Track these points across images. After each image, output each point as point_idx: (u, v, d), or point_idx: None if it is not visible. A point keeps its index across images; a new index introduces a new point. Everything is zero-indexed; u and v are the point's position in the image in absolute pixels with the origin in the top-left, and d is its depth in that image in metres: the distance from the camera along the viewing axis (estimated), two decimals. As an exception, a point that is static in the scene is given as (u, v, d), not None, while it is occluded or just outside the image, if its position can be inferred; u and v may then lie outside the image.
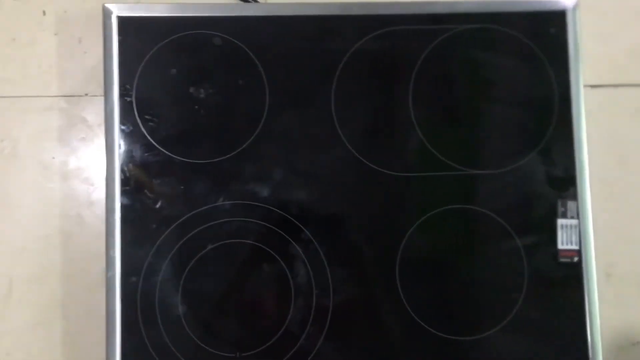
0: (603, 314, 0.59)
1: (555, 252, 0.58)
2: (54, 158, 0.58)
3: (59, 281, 0.56)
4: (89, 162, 0.58)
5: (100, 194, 0.56)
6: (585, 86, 0.62)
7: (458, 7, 0.59)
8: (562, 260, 0.58)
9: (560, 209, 0.58)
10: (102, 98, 0.55)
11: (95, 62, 0.58)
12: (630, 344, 0.61)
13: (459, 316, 0.57)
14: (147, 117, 0.56)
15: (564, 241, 0.58)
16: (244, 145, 0.56)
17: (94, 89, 0.58)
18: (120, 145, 0.55)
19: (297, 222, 0.56)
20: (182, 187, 0.55)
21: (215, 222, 0.55)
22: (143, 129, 0.55)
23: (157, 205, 0.55)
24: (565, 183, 0.58)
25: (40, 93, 0.58)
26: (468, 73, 0.59)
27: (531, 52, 0.59)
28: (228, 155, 0.56)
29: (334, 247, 0.56)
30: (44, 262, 0.56)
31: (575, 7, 0.59)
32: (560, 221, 0.58)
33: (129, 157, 0.55)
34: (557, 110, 0.59)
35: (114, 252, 0.54)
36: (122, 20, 0.56)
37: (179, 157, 0.56)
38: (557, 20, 0.59)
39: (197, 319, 0.55)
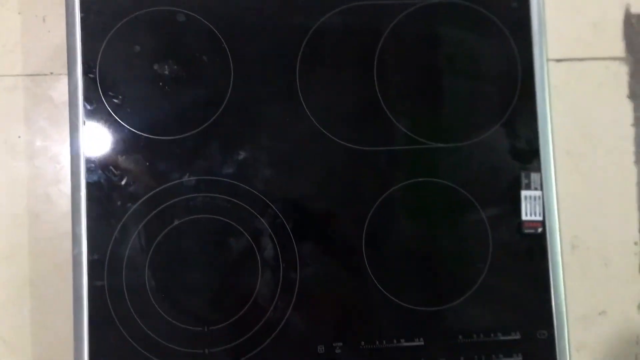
0: (569, 285, 0.60)
1: (519, 223, 0.58)
2: (19, 137, 0.58)
3: (27, 260, 0.57)
4: (54, 141, 0.58)
5: (67, 172, 0.56)
6: (549, 60, 0.62)
7: (421, -18, 0.59)
8: (527, 231, 0.58)
9: (524, 181, 0.59)
10: (66, 76, 0.55)
11: (59, 40, 0.58)
12: (596, 314, 0.62)
13: (424, 287, 0.58)
14: (111, 94, 0.56)
15: (528, 212, 0.58)
16: (209, 122, 0.57)
17: (58, 68, 0.58)
18: (84, 123, 0.55)
19: (263, 197, 0.56)
20: (147, 163, 0.56)
21: (182, 197, 0.56)
22: (107, 107, 0.56)
23: (123, 182, 0.55)
24: (528, 155, 0.59)
25: (5, 72, 0.58)
26: (432, 48, 0.60)
27: (494, 26, 0.60)
28: (193, 132, 0.56)
29: (301, 222, 0.57)
30: (12, 241, 0.57)
31: (537, -19, 0.60)
32: (524, 193, 0.59)
33: (93, 135, 0.55)
34: (520, 84, 0.60)
35: (80, 230, 0.54)
36: (85, -3, 0.56)
37: (144, 134, 0.56)
38: (519, -7, 0.60)
39: (164, 294, 0.55)
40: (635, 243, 0.63)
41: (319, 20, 0.58)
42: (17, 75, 0.58)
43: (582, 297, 0.61)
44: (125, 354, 0.54)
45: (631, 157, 0.63)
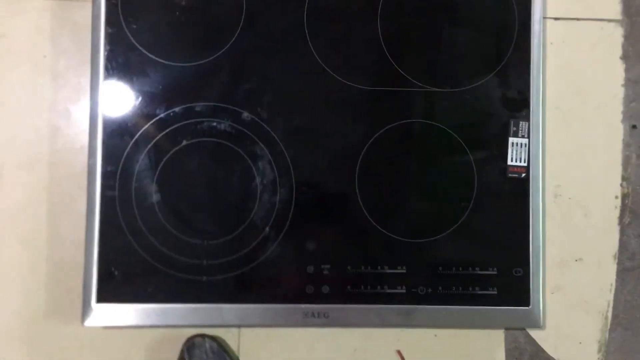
0: (549, 231, 0.64)
1: (504, 167, 0.62)
2: (45, 56, 0.62)
3: (46, 169, 0.61)
4: (77, 61, 0.62)
5: (87, 90, 0.60)
6: (547, 18, 0.65)
7: None
8: (511, 175, 0.62)
9: (512, 128, 0.62)
10: (90, 2, 0.60)
11: (86, -31, 0.62)
12: (573, 260, 0.65)
13: (410, 220, 0.62)
14: (130, 19, 0.60)
15: (514, 158, 0.62)
16: (220, 52, 0.61)
17: (84, -6, 0.62)
18: (105, 45, 0.59)
19: (266, 126, 0.61)
20: (160, 86, 0.60)
21: (190, 121, 0.60)
22: (127, 31, 0.60)
23: (137, 102, 0.60)
24: (519, 104, 0.62)
25: (35, -5, 0.62)
26: (434, -4, 0.63)
27: (495, -21, 0.63)
28: (205, 60, 0.61)
29: (299, 151, 0.61)
30: (34, 150, 0.61)
31: (540, -62, 0.62)
32: (512, 139, 0.62)
33: (112, 57, 0.60)
34: (516, 37, 0.63)
35: (95, 142, 0.59)
36: None
37: (159, 59, 0.60)
38: (521, -51, 0.63)
39: (169, 208, 0.60)
40: (616, 197, 0.66)
41: (329, -36, 0.62)
42: (46, -2, 0.62)
43: (560, 244, 0.65)
44: (131, 259, 0.59)
45: (619, 116, 0.66)
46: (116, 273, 0.58)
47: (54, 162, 0.62)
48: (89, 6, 0.60)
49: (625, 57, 0.66)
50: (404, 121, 0.62)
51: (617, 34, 0.67)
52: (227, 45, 0.61)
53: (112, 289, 0.58)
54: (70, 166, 0.61)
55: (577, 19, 0.66)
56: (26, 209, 0.61)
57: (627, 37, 0.66)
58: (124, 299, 0.58)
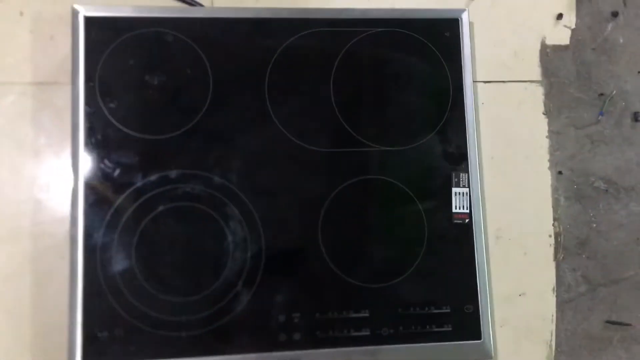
0: (493, 270, 0.71)
1: (450, 215, 0.69)
2: (26, 136, 0.67)
3: (29, 240, 0.65)
4: (57, 139, 0.67)
5: (68, 165, 0.65)
6: (478, 81, 0.75)
7: (370, 14, 0.72)
8: (456, 221, 0.69)
9: (454, 179, 0.70)
10: (70, 85, 0.65)
11: (64, 55, 0.67)
12: (517, 295, 0.72)
13: (370, 267, 0.68)
14: (108, 99, 0.66)
15: (458, 206, 0.70)
16: (190, 124, 0.67)
17: (63, 78, 0.68)
18: (85, 123, 0.65)
19: (235, 189, 0.67)
20: (137, 158, 0.66)
21: (166, 187, 0.66)
22: (105, 110, 0.66)
23: (116, 174, 0.65)
24: (458, 158, 0.71)
25: (17, 80, 0.67)
26: (379, 67, 0.71)
27: (430, 51, 0.72)
28: (177, 133, 0.67)
29: (267, 210, 0.67)
30: (17, 223, 0.65)
31: (465, 15, 0.72)
32: (455, 189, 0.70)
33: (91, 134, 0.65)
34: (452, 100, 0.72)
35: (77, 212, 0.64)
36: (88, 19, 0.66)
37: (135, 133, 0.66)
38: (451, 25, 0.73)
39: (148, 270, 0.64)
40: (550, 235, 0.74)
41: (285, 43, 0.69)
42: (27, 83, 0.68)
43: (504, 281, 0.72)
44: (114, 321, 0.63)
45: (546, 164, 0.75)
46: (99, 335, 0.62)
47: (36, 233, 0.66)
48: (68, 89, 0.66)
49: (547, 112, 0.76)
50: (360, 178, 0.69)
51: (538, 92, 0.76)
52: (197, 118, 0.67)
53: (96, 351, 0.62)
54: (52, 237, 0.65)
55: (503, 82, 0.76)
56: (10, 278, 0.65)
57: (547, 95, 0.76)
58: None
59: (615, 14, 0.79)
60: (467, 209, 0.70)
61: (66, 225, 0.64)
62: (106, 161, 0.65)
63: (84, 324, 0.62)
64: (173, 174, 0.66)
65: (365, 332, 0.66)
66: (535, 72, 0.77)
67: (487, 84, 0.75)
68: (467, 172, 0.70)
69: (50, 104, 0.68)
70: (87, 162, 0.65)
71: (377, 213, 0.69)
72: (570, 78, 0.77)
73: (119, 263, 0.64)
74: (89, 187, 0.64)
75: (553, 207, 0.74)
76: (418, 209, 0.69)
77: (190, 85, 0.68)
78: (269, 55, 0.69)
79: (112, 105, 0.66)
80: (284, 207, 0.67)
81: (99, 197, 0.64)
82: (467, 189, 0.70)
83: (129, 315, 0.63)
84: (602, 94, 0.77)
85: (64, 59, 0.67)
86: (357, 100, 0.71)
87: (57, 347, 0.63)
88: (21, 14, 0.69)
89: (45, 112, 0.68)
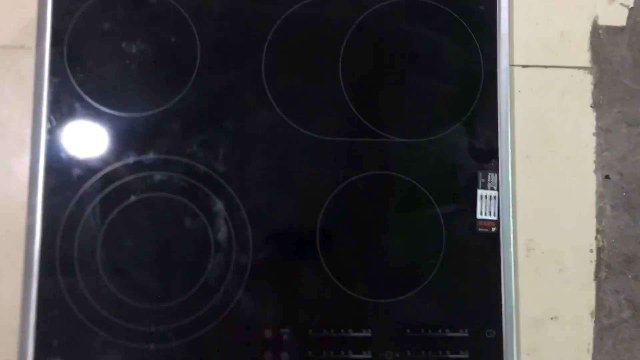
0: (522, 288, 0.61)
1: (474, 221, 0.59)
2: (-15, 107, 0.58)
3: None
4: (19, 112, 0.58)
5: (29, 144, 0.56)
6: (515, 65, 0.64)
7: (391, -20, 0.61)
8: (481, 229, 0.59)
9: (481, 180, 0.60)
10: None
11: (31, 15, 0.59)
12: (549, 318, 0.62)
13: (376, 279, 0.58)
14: (77, 68, 0.57)
15: (483, 211, 0.59)
16: (172, 102, 0.58)
17: (29, 42, 0.59)
18: (48, 95, 0.56)
19: (221, 180, 0.57)
20: (107, 139, 0.56)
21: (140, 174, 0.56)
22: (73, 80, 0.57)
23: (82, 156, 0.56)
24: (487, 155, 0.60)
25: (-24, 43, 0.59)
26: (397, 44, 0.61)
27: (460, 27, 0.61)
28: (156, 110, 0.58)
29: (256, 206, 0.57)
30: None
31: (504, -15, 0.62)
32: (481, 192, 0.60)
33: (56, 108, 0.56)
34: (482, 85, 0.61)
35: (35, 199, 0.55)
36: (58, -26, 0.57)
37: (107, 110, 0.57)
38: (487, -4, 0.62)
39: (115, 270, 0.55)
40: (591, 250, 0.63)
41: (288, 10, 0.60)
42: (-12, 46, 0.59)
43: (534, 301, 0.62)
44: (72, 328, 0.54)
45: (591, 166, 0.64)
46: (55, 343, 0.54)
47: (-10, 220, 0.57)
48: (34, 54, 0.57)
49: (595, 105, 0.65)
50: (367, 173, 0.59)
51: (586, 81, 0.65)
52: (180, 95, 0.58)
53: (49, 360, 0.54)
54: (9, 226, 0.57)
55: (545, 67, 0.65)
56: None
57: (597, 84, 0.65)
58: (64, 371, 0.54)
59: (682, -8, 0.67)
60: (494, 215, 0.59)
61: (23, 214, 0.55)
62: (71, 141, 0.56)
63: (37, 329, 0.54)
64: (149, 158, 0.57)
65: (366, 356, 0.57)
66: (584, 57, 0.65)
67: (525, 68, 0.65)
68: (497, 172, 0.60)
69: (13, 71, 0.59)
70: (49, 141, 0.56)
71: (386, 216, 0.59)
72: (625, 66, 0.66)
73: (80, 260, 0.55)
74: (51, 170, 0.56)
75: (597, 217, 0.64)
76: (435, 213, 0.59)
77: (175, 55, 0.58)
78: (267, 25, 0.59)
79: (81, 75, 0.57)
80: (278, 204, 0.58)
81: (61, 183, 0.55)
82: (496, 192, 0.59)
83: (89, 322, 0.55)
84: (662, 86, 0.66)
85: (32, 20, 0.58)
86: (370, 81, 0.61)
87: (7, 353, 0.54)
88: (-14, -34, 0.60)
89: (8, 80, 0.59)
